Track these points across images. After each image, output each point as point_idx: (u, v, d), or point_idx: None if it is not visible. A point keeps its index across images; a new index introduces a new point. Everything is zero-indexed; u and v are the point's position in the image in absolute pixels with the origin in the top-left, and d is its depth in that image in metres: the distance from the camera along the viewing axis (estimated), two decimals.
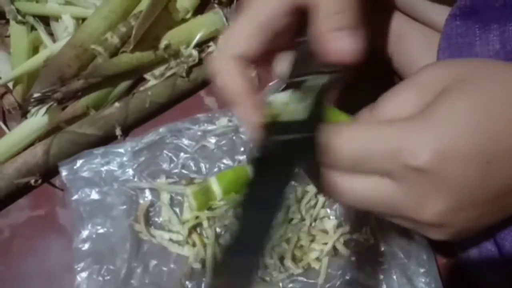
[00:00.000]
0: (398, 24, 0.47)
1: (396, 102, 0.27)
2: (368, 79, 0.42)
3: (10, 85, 0.50)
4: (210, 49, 0.51)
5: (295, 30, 0.32)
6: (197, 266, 0.42)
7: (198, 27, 0.51)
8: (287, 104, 0.27)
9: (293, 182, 0.24)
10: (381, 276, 0.41)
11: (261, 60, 0.32)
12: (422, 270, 0.40)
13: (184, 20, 0.52)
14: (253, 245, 0.22)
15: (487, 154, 0.25)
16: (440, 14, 0.40)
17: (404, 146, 0.25)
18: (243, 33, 0.30)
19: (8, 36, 0.52)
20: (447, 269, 0.41)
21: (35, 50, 0.52)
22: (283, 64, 0.33)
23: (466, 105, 0.25)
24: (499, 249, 0.33)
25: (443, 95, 0.26)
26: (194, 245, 0.43)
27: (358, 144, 0.26)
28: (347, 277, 0.41)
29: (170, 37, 0.50)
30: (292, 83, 0.29)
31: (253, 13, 0.30)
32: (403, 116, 0.26)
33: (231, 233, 0.23)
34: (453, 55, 0.38)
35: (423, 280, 0.40)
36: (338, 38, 0.28)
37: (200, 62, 0.50)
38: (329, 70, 0.29)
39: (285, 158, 0.25)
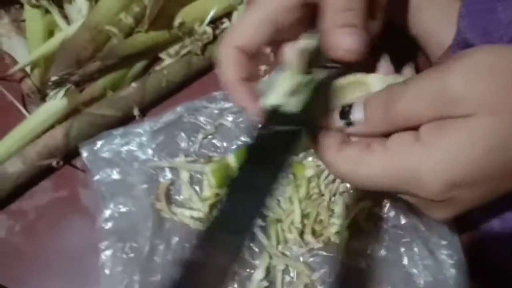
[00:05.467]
0: None
1: (412, 101, 0.26)
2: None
3: (28, 69, 0.50)
4: (224, 26, 0.50)
5: (306, 23, 0.32)
6: None
7: (211, 4, 0.50)
8: (288, 94, 0.28)
9: (284, 172, 0.24)
10: (402, 249, 0.41)
11: (271, 49, 0.33)
12: (444, 243, 0.40)
13: None
14: (240, 226, 0.22)
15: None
16: None
17: (413, 182, 0.26)
18: (248, 25, 0.31)
19: (24, 21, 0.53)
20: (469, 244, 0.41)
21: (50, 33, 0.52)
22: (289, 54, 0.33)
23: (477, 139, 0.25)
24: None
25: (453, 126, 0.25)
26: None
27: (366, 173, 0.27)
28: (368, 251, 0.41)
29: (183, 15, 0.49)
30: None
31: (260, 6, 0.31)
32: (415, 114, 0.26)
33: (219, 211, 0.23)
34: (473, 21, 0.37)
35: (445, 252, 0.40)
36: (342, 34, 0.28)
37: (215, 39, 0.50)
38: (331, 65, 0.30)
39: (279, 147, 0.25)
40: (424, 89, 0.26)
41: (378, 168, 0.26)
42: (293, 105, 0.28)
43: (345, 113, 0.28)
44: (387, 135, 0.28)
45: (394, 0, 0.46)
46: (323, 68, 0.30)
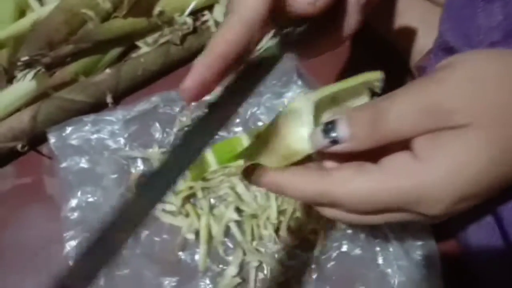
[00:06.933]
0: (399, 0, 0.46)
1: (403, 115, 0.25)
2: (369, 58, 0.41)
3: None
4: (205, 18, 0.49)
5: None
6: (191, 236, 0.41)
7: None
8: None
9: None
10: (378, 248, 0.40)
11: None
12: (419, 243, 0.40)
13: None
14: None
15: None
16: None
17: (416, 200, 0.25)
18: None
19: None
20: (445, 253, 0.41)
21: (21, 13, 0.49)
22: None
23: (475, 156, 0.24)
24: (498, 220, 0.33)
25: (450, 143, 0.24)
26: (187, 215, 0.42)
27: (365, 196, 0.25)
28: (343, 249, 0.41)
29: (164, 4, 0.48)
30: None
31: None
32: (406, 129, 0.25)
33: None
34: (454, 26, 0.37)
35: (419, 253, 0.40)
36: None
37: (195, 30, 0.49)
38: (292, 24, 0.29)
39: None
40: (416, 102, 0.25)
41: (377, 187, 0.25)
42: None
43: (328, 130, 0.26)
44: (371, 151, 0.26)
45: (378, 8, 0.47)
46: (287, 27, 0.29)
